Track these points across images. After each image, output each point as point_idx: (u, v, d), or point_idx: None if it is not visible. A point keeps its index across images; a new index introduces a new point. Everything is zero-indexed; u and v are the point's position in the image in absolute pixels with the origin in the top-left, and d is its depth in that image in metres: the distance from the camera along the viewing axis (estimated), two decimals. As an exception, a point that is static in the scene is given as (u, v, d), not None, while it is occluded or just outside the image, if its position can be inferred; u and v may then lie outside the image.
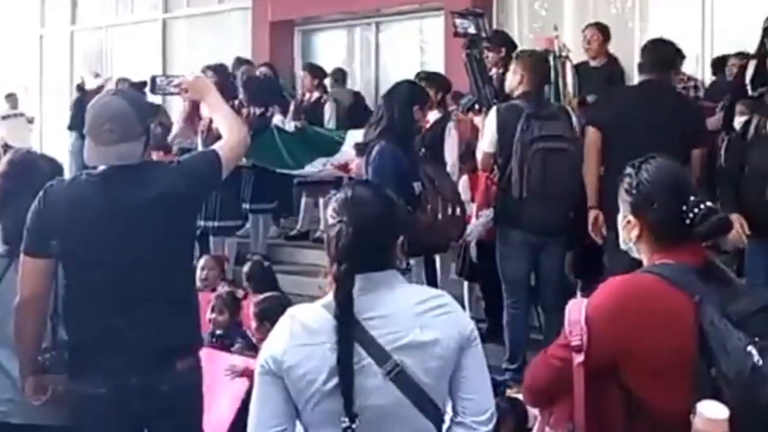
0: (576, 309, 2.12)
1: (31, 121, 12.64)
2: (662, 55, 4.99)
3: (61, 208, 2.89)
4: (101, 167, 2.94)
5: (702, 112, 5.02)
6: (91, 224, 2.86)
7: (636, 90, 5.25)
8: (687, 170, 2.24)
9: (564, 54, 6.08)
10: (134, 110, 2.93)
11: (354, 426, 2.00)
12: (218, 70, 8.69)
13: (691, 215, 2.08)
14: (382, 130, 4.81)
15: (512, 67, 5.30)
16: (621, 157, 4.36)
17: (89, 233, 2.87)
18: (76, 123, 9.87)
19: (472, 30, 5.59)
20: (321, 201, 8.33)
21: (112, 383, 2.82)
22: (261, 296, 5.24)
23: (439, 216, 4.77)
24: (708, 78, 7.47)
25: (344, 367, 2.00)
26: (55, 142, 12.58)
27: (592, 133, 4.92)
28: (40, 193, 2.93)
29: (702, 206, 2.08)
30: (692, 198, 2.10)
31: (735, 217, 4.25)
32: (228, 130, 3.15)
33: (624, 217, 2.22)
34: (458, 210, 4.99)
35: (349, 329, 2.02)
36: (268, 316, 4.91)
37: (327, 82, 9.05)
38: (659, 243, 2.15)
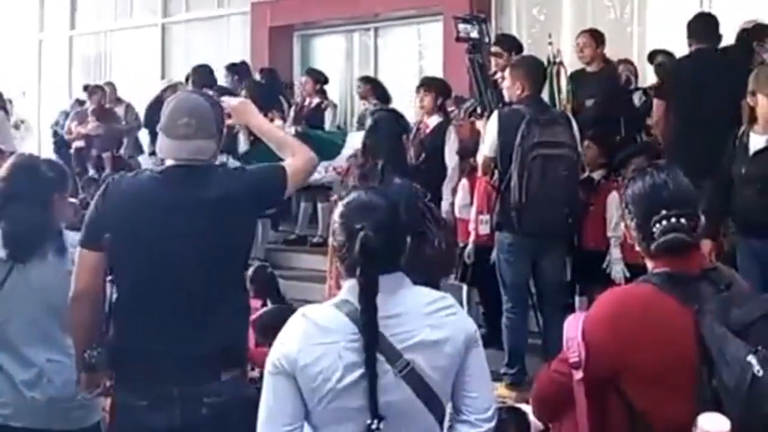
0: (573, 324, 2.12)
1: (17, 126, 12.71)
2: (712, 26, 5.63)
3: (118, 202, 2.83)
4: (167, 164, 2.88)
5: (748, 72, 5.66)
6: (143, 220, 2.79)
7: (693, 57, 5.67)
8: (682, 181, 2.21)
9: (558, 61, 6.11)
10: (213, 110, 2.90)
11: (381, 426, 2.05)
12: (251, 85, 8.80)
13: (654, 230, 2.08)
14: (391, 168, 4.38)
15: (507, 76, 5.30)
16: (687, 113, 5.36)
17: (140, 229, 2.78)
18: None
19: (474, 35, 5.62)
20: (320, 205, 8.35)
21: (153, 394, 2.73)
22: (262, 310, 5.23)
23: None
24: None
25: (371, 370, 2.05)
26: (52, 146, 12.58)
27: (658, 107, 5.66)
28: (102, 187, 2.89)
29: (665, 222, 2.07)
30: (663, 212, 2.08)
31: (706, 244, 4.41)
32: (291, 152, 3.03)
33: (623, 223, 2.26)
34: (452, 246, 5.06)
35: (374, 332, 2.06)
36: (273, 326, 4.89)
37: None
38: (653, 251, 2.14)
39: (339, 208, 2.21)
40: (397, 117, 4.67)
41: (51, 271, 3.08)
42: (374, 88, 8.69)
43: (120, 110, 10.88)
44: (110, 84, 11.38)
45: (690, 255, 2.11)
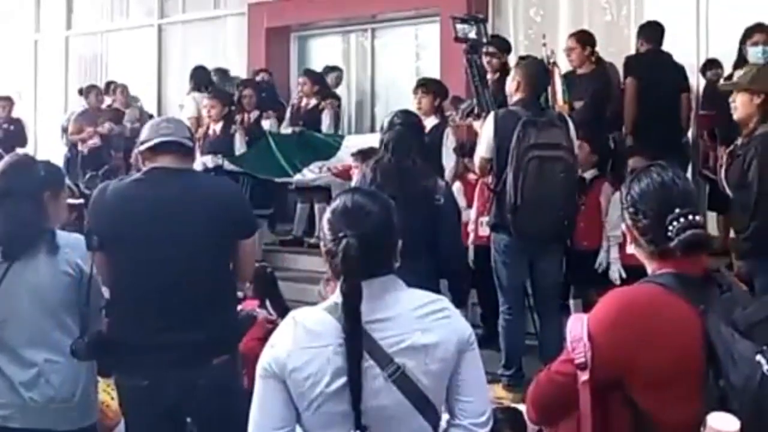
0: (577, 325, 2.07)
1: None
2: (660, 31, 6.79)
3: (106, 206, 3.07)
4: (149, 167, 3.11)
5: (684, 69, 6.87)
6: (128, 222, 3.02)
7: (648, 55, 6.74)
8: (686, 179, 2.20)
9: (552, 61, 6.12)
10: (185, 123, 3.46)
11: None
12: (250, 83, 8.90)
13: (670, 228, 2.05)
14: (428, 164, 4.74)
15: (511, 73, 5.37)
16: (647, 103, 6.50)
17: (126, 230, 3.02)
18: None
19: (472, 35, 5.64)
20: (316, 206, 8.35)
21: (152, 376, 3.00)
22: None
23: None
24: (702, 85, 7.47)
25: (353, 379, 2.03)
26: (49, 147, 12.56)
27: (631, 85, 6.63)
28: (93, 195, 3.15)
29: (682, 219, 2.04)
30: (677, 210, 2.06)
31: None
32: None
33: (624, 224, 2.22)
34: None
35: (358, 339, 2.05)
36: None
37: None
38: (656, 253, 2.12)
39: (326, 214, 2.21)
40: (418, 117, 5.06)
41: (45, 270, 3.08)
42: (315, 81, 8.73)
43: (134, 112, 10.78)
44: (122, 86, 11.33)
45: (701, 255, 2.09)
